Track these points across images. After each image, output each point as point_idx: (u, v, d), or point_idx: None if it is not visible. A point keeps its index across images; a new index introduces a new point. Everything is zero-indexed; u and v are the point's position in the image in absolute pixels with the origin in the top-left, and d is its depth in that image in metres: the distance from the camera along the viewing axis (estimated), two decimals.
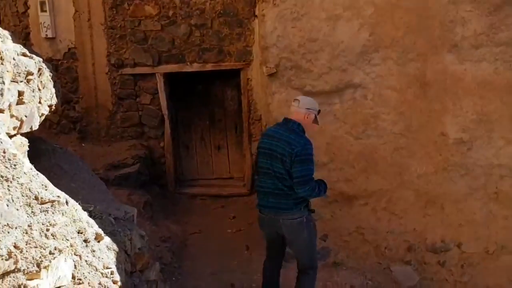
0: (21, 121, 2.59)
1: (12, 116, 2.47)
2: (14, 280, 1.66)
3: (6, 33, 2.76)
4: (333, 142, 4.95)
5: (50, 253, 1.80)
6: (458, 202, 4.81)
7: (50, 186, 2.17)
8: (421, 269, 4.90)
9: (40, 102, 2.81)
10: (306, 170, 3.53)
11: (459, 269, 4.90)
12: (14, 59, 2.47)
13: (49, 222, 1.93)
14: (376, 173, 4.91)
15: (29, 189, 1.97)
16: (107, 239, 2.50)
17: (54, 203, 2.05)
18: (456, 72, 4.60)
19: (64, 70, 6.72)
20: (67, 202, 2.19)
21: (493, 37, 4.43)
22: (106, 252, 2.39)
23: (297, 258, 3.96)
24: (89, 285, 2.05)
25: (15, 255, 1.67)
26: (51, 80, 3.10)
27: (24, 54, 2.67)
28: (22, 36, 6.80)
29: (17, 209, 1.85)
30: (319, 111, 3.81)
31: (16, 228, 1.76)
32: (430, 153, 4.78)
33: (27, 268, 1.70)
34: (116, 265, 2.39)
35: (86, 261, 2.14)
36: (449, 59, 4.59)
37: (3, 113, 2.35)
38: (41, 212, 1.95)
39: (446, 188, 4.79)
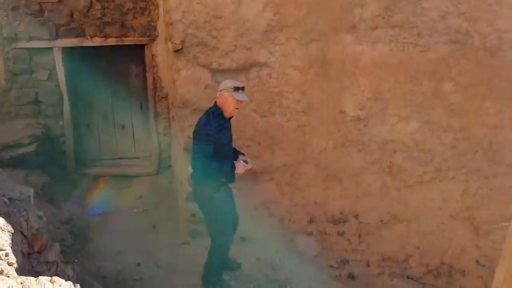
0: None
1: None
2: None
3: None
4: (240, 120, 5.00)
5: None
6: (356, 176, 5.11)
7: None
8: (322, 240, 5.17)
9: None
10: (197, 149, 3.77)
11: (357, 238, 5.23)
12: None
13: None
14: (281, 149, 5.05)
15: None
16: (1, 220, 2.35)
17: None
18: (354, 53, 4.83)
19: None
20: None
21: (388, 19, 4.71)
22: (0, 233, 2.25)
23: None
24: None
25: None
26: None
27: None
28: None
29: None
30: (237, 88, 3.86)
31: None
32: (330, 129, 5.01)
33: None
34: (11, 247, 2.26)
35: None
36: (348, 39, 4.80)
37: None
38: None
39: (345, 162, 5.06)
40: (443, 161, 5.04)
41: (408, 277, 5.18)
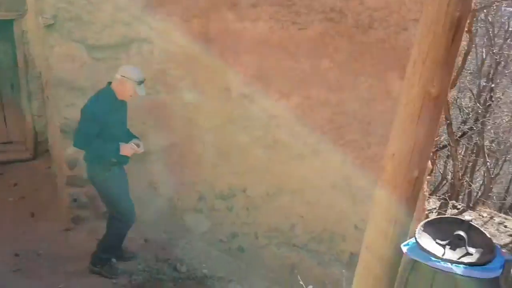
0: None
1: None
2: None
3: None
4: None
5: None
6: (243, 151, 5.20)
7: None
8: (212, 216, 5.22)
9: None
10: (81, 127, 3.77)
11: (245, 211, 5.36)
12: None
13: None
14: (167, 128, 4.98)
15: None
16: None
17: None
18: (236, 30, 4.86)
19: None
20: None
21: None
22: None
23: None
24: None
25: None
26: None
27: None
28: None
29: None
30: (141, 82, 3.86)
31: None
32: (216, 107, 5.04)
33: None
34: None
35: None
36: (229, 17, 4.82)
37: None
38: None
39: (231, 139, 5.13)
40: (322, 134, 5.31)
41: (293, 245, 5.44)
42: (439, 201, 10.76)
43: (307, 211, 5.49)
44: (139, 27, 4.66)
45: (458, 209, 10.51)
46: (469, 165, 14.32)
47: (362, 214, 5.42)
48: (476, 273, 2.10)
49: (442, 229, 2.31)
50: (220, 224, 5.25)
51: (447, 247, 2.24)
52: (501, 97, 14.08)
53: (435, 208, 9.48)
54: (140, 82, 3.87)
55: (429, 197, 10.15)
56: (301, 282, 4.13)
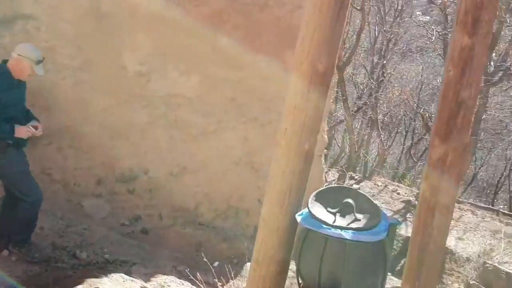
0: None
1: None
2: None
3: None
4: None
5: None
6: (142, 132, 5.08)
7: None
8: (112, 200, 5.06)
9: None
10: None
11: (148, 193, 5.26)
12: None
13: None
14: (58, 110, 4.72)
15: None
16: None
17: None
18: (130, 5, 4.70)
19: None
20: None
21: None
22: None
23: None
24: None
25: None
26: None
27: None
28: None
29: None
30: (40, 61, 3.77)
31: None
32: (112, 86, 4.86)
33: None
34: None
35: None
36: None
37: None
38: None
39: (130, 119, 4.99)
40: (224, 113, 5.33)
41: (199, 224, 5.46)
42: (338, 173, 11.34)
43: (212, 189, 5.51)
44: (23, 2, 4.35)
45: (355, 179, 11.16)
46: (364, 138, 15.22)
47: (265, 190, 5.56)
48: (363, 237, 2.25)
49: (332, 198, 2.44)
50: (122, 208, 5.10)
51: (338, 214, 2.38)
52: (392, 73, 15.07)
53: (334, 180, 9.98)
54: (39, 62, 3.77)
55: (328, 170, 10.66)
56: (205, 259, 4.17)
